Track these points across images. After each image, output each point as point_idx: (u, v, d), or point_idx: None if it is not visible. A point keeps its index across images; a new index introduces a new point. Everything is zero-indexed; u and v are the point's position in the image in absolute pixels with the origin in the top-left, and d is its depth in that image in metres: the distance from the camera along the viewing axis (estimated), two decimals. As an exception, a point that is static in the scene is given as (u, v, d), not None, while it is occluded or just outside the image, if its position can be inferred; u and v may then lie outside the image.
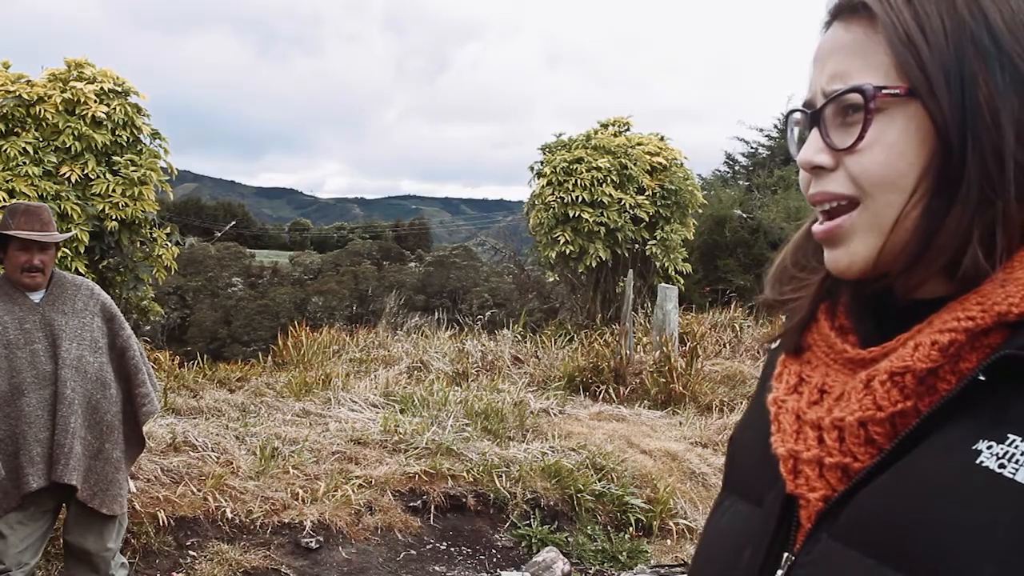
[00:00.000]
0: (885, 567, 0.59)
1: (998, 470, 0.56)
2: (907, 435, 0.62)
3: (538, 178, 11.24)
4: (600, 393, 7.95)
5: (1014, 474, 0.56)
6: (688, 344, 8.86)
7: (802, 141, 0.71)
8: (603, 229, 10.61)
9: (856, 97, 0.65)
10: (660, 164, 11.15)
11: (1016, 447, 0.56)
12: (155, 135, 6.84)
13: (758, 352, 9.93)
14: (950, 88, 0.62)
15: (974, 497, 0.56)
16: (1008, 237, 0.63)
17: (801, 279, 0.78)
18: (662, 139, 11.76)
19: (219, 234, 37.08)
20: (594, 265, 10.73)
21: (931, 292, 0.67)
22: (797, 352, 0.76)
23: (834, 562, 0.63)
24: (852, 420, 0.65)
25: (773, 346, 0.84)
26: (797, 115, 0.73)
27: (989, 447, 0.57)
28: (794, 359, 0.75)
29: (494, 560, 4.73)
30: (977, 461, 0.57)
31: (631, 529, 5.10)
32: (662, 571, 4.50)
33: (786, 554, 0.69)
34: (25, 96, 6.26)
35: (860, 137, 0.65)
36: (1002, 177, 0.61)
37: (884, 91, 0.64)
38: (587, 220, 10.49)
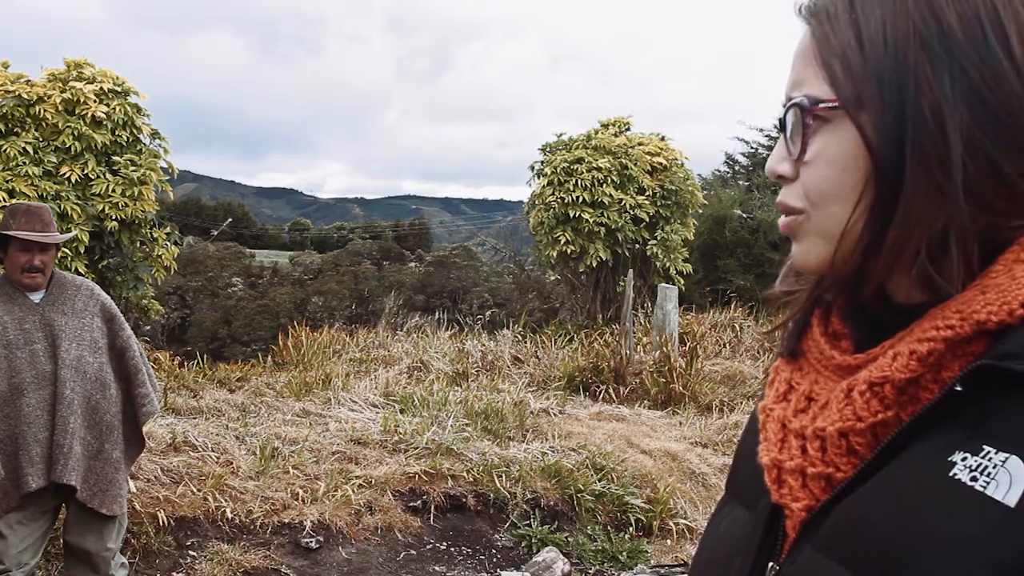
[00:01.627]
0: None
1: (970, 483, 0.55)
2: (886, 446, 0.61)
3: (538, 178, 11.25)
4: (600, 393, 7.95)
5: (985, 487, 0.54)
6: (688, 344, 8.86)
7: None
8: (603, 229, 10.61)
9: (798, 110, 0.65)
10: (660, 164, 11.15)
11: (990, 459, 0.55)
12: (155, 135, 6.84)
13: (758, 352, 9.93)
14: (884, 97, 0.60)
15: (947, 510, 0.55)
16: (962, 245, 0.61)
17: (801, 275, 0.78)
18: (662, 139, 11.76)
19: (215, 233, 37.02)
20: (594, 265, 10.73)
21: (915, 297, 0.65)
22: (793, 356, 0.75)
23: (815, 573, 0.62)
24: (832, 430, 0.64)
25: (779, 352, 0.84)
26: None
27: (964, 459, 0.56)
28: (787, 366, 0.75)
29: (494, 560, 4.73)
30: (951, 473, 0.56)
31: (631, 529, 5.10)
32: (662, 571, 4.50)
33: (771, 564, 0.68)
34: (25, 96, 6.26)
35: (802, 150, 0.65)
36: (950, 186, 0.59)
37: (821, 104, 0.63)
38: (587, 220, 10.49)
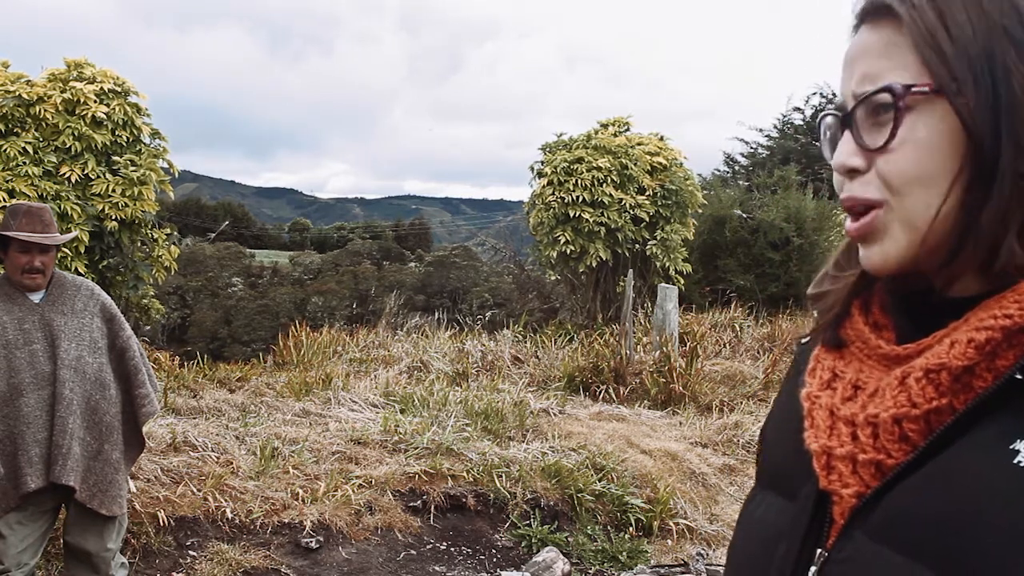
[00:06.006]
0: (917, 565, 0.59)
1: None
2: (942, 433, 0.62)
3: (539, 178, 11.25)
4: (600, 393, 7.94)
5: None
6: (688, 344, 8.86)
7: (834, 144, 0.71)
8: (603, 229, 10.61)
9: (886, 97, 0.65)
10: (660, 164, 11.15)
11: None
12: (155, 135, 6.84)
13: (758, 352, 9.93)
14: (978, 83, 0.62)
15: (1009, 497, 0.56)
16: None
17: (838, 277, 0.79)
18: (662, 139, 11.77)
19: (213, 235, 37.02)
20: (594, 265, 10.73)
21: (967, 290, 0.66)
22: (835, 345, 0.76)
23: (867, 559, 0.63)
24: (887, 416, 0.65)
25: (804, 341, 0.84)
26: (829, 119, 0.73)
27: None
28: (828, 354, 0.76)
29: (494, 560, 4.73)
30: (1015, 461, 0.57)
31: (631, 529, 5.10)
32: (662, 571, 4.50)
33: (819, 550, 0.69)
34: (25, 96, 6.26)
35: (892, 136, 0.65)
36: None
37: (913, 89, 0.64)
38: (587, 220, 10.49)
